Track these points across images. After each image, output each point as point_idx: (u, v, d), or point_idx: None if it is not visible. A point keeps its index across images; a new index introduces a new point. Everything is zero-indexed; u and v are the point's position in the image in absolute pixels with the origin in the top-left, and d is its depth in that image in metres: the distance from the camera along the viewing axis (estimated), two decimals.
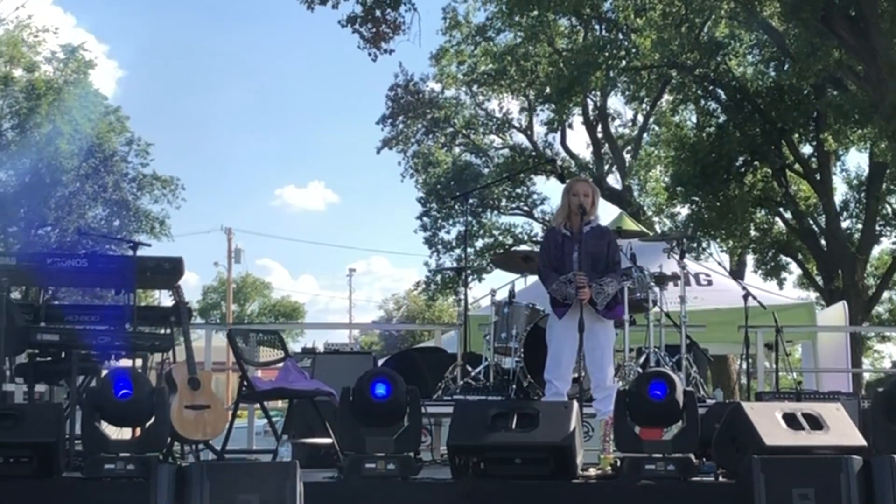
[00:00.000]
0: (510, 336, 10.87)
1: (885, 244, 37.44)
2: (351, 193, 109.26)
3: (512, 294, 11.29)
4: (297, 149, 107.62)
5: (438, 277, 38.90)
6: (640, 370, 10.58)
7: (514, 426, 7.34)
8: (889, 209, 35.14)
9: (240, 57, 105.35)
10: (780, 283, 36.06)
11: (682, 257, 11.77)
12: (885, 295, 40.30)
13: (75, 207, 35.16)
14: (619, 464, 7.50)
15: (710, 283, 16.09)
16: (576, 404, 7.60)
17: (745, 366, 12.81)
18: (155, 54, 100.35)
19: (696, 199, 31.56)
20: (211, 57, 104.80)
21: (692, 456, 7.32)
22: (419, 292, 46.48)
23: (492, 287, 11.82)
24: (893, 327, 43.62)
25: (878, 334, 45.95)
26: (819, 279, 33.89)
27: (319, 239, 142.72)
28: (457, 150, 39.46)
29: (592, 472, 7.74)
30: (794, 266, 37.09)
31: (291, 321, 68.78)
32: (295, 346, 11.31)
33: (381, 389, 7.31)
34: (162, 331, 9.63)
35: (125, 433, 8.06)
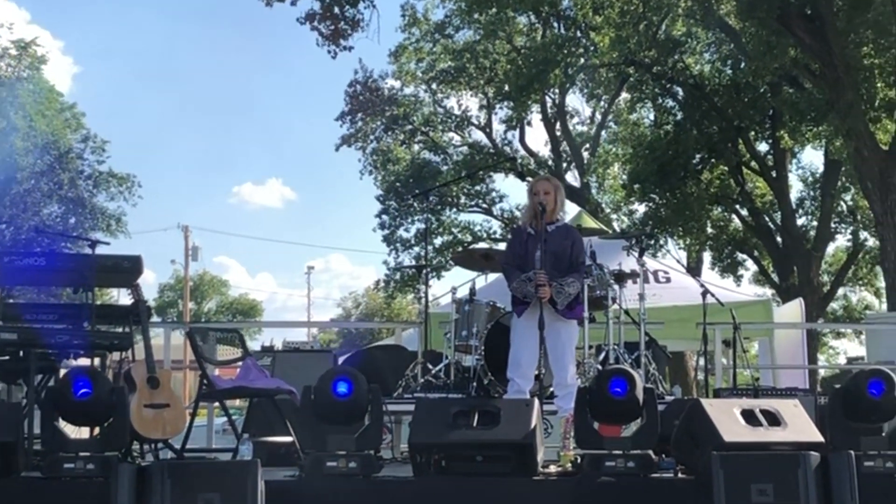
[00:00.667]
0: (471, 334, 10.87)
1: (840, 241, 37.77)
2: (309, 191, 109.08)
3: (473, 292, 11.30)
4: (255, 146, 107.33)
5: (397, 275, 38.88)
6: (599, 367, 10.61)
7: (475, 424, 7.37)
8: (844, 206, 35.40)
9: (196, 53, 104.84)
10: (738, 280, 36.27)
11: (641, 255, 11.81)
12: (840, 291, 40.60)
13: (30, 205, 34.87)
14: (579, 461, 7.52)
15: (668, 280, 16.15)
16: (537, 402, 7.63)
17: (702, 362, 12.87)
18: (111, 50, 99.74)
19: (654, 196, 31.76)
20: (167, 53, 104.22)
21: (651, 452, 7.35)
22: (378, 290, 46.46)
23: (452, 285, 11.83)
24: (848, 324, 43.90)
25: (833, 331, 46.26)
26: (775, 276, 34.11)
27: (277, 236, 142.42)
28: (416, 147, 39.43)
29: (553, 469, 7.77)
30: (750, 263, 37.33)
31: (249, 319, 68.57)
32: (253, 344, 11.41)
33: (342, 388, 7.30)
34: (121, 329, 9.57)
35: (83, 432, 8.03)
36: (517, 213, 36.54)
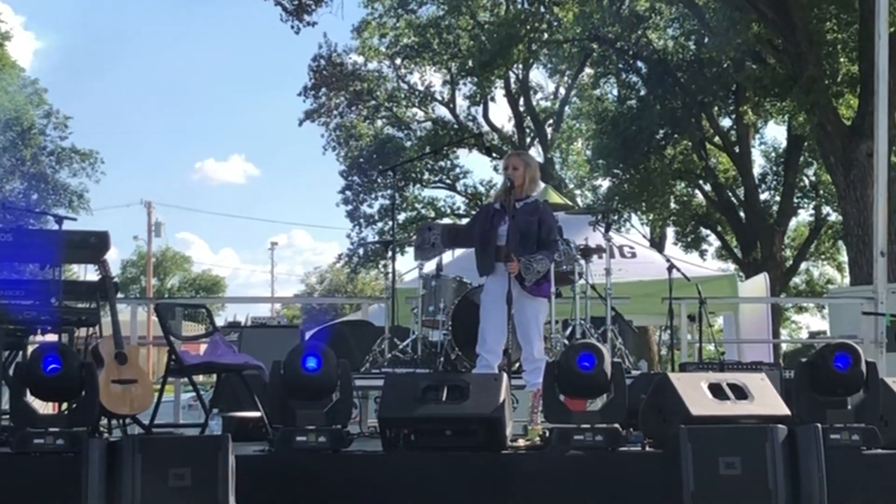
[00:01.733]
0: (438, 309, 10.87)
1: (803, 216, 38.01)
2: (272, 166, 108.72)
3: (439, 267, 11.30)
4: (217, 122, 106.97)
5: (361, 251, 38.86)
6: (566, 342, 10.63)
7: (444, 398, 7.39)
8: (806, 181, 35.64)
9: (159, 28, 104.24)
10: (702, 255, 36.45)
11: (607, 230, 11.84)
12: (803, 266, 40.87)
13: None
14: (547, 434, 7.55)
15: (634, 255, 16.22)
16: (505, 376, 7.66)
17: (667, 337, 12.94)
18: (72, 26, 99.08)
19: (617, 171, 31.87)
20: (129, 29, 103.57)
21: (619, 426, 7.39)
22: (342, 265, 46.42)
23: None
24: (811, 298, 44.18)
25: (795, 305, 46.54)
26: (738, 251, 34.29)
27: (240, 212, 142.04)
28: (379, 122, 39.36)
29: (521, 442, 7.79)
30: (713, 238, 37.51)
31: (212, 295, 68.41)
32: (217, 320, 11.34)
33: (311, 363, 7.30)
34: (88, 305, 9.54)
35: (51, 408, 8.02)
36: (481, 189, 36.62)
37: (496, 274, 9.71)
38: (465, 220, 25.23)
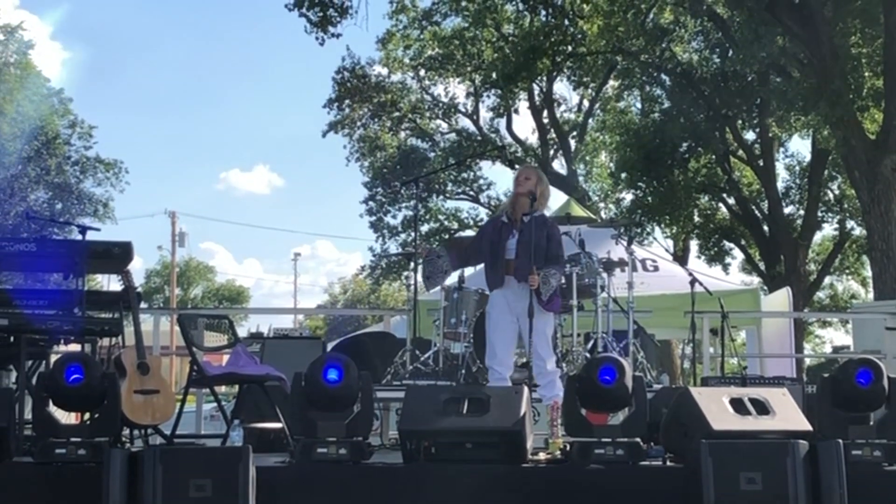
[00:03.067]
0: (459, 321, 10.87)
1: (827, 230, 37.85)
2: (296, 177, 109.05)
3: (462, 279, 11.31)
4: (242, 132, 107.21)
5: (384, 262, 38.90)
6: (588, 355, 10.63)
7: (465, 411, 7.39)
8: (831, 195, 35.50)
9: (183, 39, 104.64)
10: (725, 269, 36.35)
11: (629, 243, 11.83)
12: (827, 280, 40.73)
13: (17, 190, 34.86)
14: (568, 448, 7.54)
15: (656, 268, 16.18)
16: (526, 389, 7.65)
17: (689, 351, 12.91)
18: (99, 35, 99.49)
19: (641, 184, 31.79)
20: (155, 39, 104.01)
21: (640, 440, 7.38)
22: (364, 276, 46.46)
23: None
24: (834, 313, 44.05)
25: (819, 320, 46.40)
26: (761, 264, 34.18)
27: (264, 223, 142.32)
28: (403, 134, 39.41)
29: (542, 456, 7.79)
30: (736, 251, 37.40)
31: (236, 305, 68.51)
32: (239, 331, 11.35)
33: (333, 374, 7.32)
34: (111, 315, 9.57)
35: (73, 418, 8.04)
36: (504, 201, 36.56)
37: (505, 287, 9.73)
38: None
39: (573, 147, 37.23)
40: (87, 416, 7.72)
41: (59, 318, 8.87)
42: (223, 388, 12.04)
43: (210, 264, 74.83)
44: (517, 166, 11.87)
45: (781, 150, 35.78)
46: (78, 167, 37.46)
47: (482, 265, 10.30)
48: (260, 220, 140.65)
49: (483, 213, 38.95)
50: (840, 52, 22.79)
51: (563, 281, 10.08)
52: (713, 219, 35.94)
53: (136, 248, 9.59)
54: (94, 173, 37.62)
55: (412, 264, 12.24)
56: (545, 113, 37.16)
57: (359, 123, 38.36)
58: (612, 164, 36.27)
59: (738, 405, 7.32)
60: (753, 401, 7.37)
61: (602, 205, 37.06)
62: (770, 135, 32.28)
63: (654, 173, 30.77)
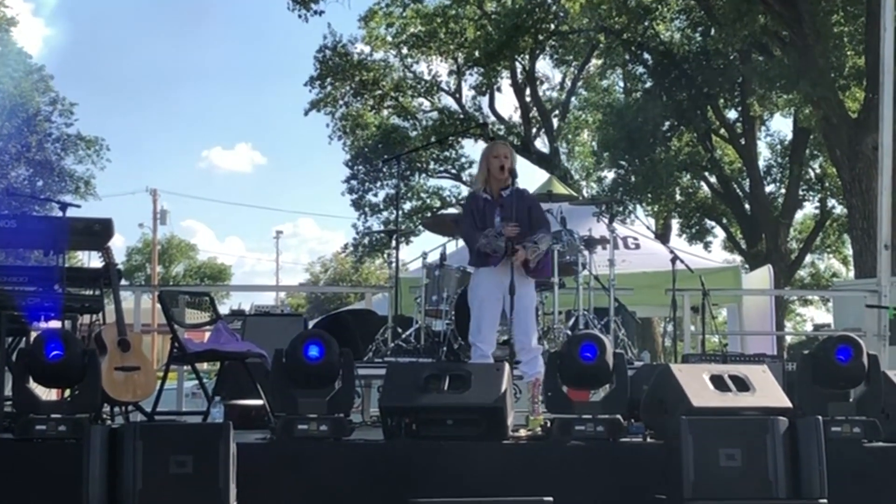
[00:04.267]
0: (441, 299, 10.88)
1: (808, 209, 37.98)
2: (278, 155, 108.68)
3: (443, 257, 11.31)
4: (224, 110, 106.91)
5: (366, 240, 38.86)
6: (569, 332, 10.64)
7: (446, 388, 7.40)
8: (812, 174, 35.61)
9: (167, 16, 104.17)
10: (707, 247, 36.44)
11: (611, 221, 11.83)
12: (808, 259, 40.87)
13: None
14: (548, 425, 7.55)
15: (637, 246, 16.22)
16: (507, 366, 7.66)
17: (670, 328, 12.95)
18: (80, 13, 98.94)
19: (623, 163, 31.82)
20: (138, 16, 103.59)
21: (621, 417, 7.40)
22: (346, 255, 46.44)
23: (423, 250, 11.85)
24: (816, 291, 44.20)
25: (800, 298, 46.55)
26: (743, 243, 34.29)
27: (246, 201, 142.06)
28: (385, 112, 39.30)
29: (523, 433, 7.80)
30: (718, 230, 37.50)
31: (217, 283, 68.42)
32: (221, 309, 11.30)
33: (314, 351, 7.30)
34: (91, 292, 9.55)
35: (53, 394, 8.02)
36: (475, 175, 36.53)
37: (492, 264, 9.69)
38: None
39: (555, 125, 37.24)
40: (66, 392, 7.71)
41: (39, 294, 8.84)
42: (204, 366, 12.05)
43: (192, 242, 74.72)
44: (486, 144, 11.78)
45: (763, 128, 35.90)
46: (59, 144, 37.28)
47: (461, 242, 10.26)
48: (242, 199, 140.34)
49: (465, 191, 38.94)
50: (822, 31, 22.82)
51: (552, 241, 10.03)
52: (695, 197, 36.04)
53: (118, 226, 9.56)
54: (74, 150, 37.43)
55: (393, 242, 12.25)
56: (528, 91, 37.12)
57: (341, 102, 38.23)
58: (594, 143, 36.34)
59: (718, 382, 7.33)
60: (734, 377, 7.39)
61: (584, 183, 37.11)
62: (752, 113, 32.36)
63: (636, 152, 30.78)
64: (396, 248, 12.11)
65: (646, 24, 31.20)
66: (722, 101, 32.49)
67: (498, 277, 9.50)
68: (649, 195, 32.41)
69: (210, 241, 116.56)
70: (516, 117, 38.29)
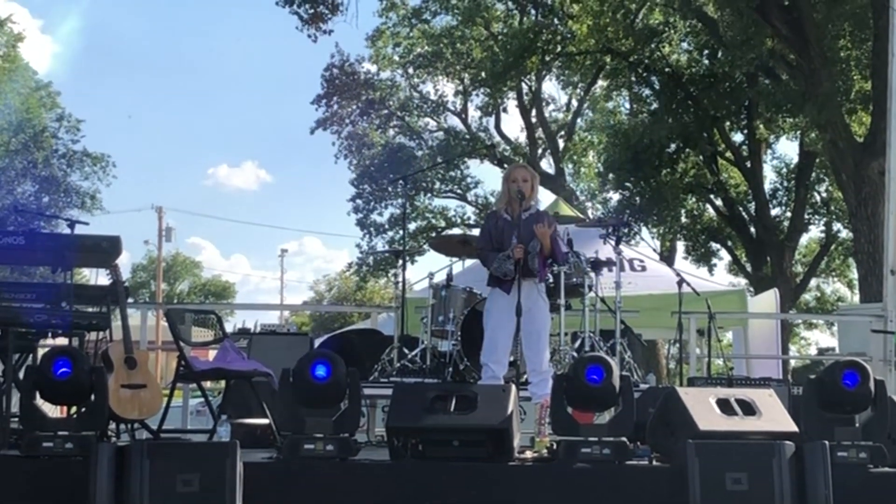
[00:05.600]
0: (447, 319, 10.88)
1: (814, 232, 37.94)
2: (285, 173, 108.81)
3: (450, 277, 11.32)
4: (230, 128, 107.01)
5: (371, 259, 38.87)
6: (575, 354, 10.64)
7: (452, 409, 7.40)
8: (818, 198, 35.59)
9: (174, 34, 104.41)
10: (711, 270, 36.42)
11: (617, 243, 11.83)
12: (813, 283, 40.82)
13: (4, 183, 34.76)
14: (555, 447, 7.56)
15: (643, 268, 16.20)
16: (513, 388, 7.66)
17: (675, 351, 12.93)
18: (89, 30, 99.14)
19: (628, 184, 31.81)
20: (144, 34, 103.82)
21: (627, 440, 7.40)
22: (351, 273, 46.43)
23: (430, 270, 11.85)
24: (821, 315, 44.14)
25: (805, 322, 46.50)
26: (748, 266, 34.24)
27: (252, 219, 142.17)
28: (391, 131, 39.38)
29: (529, 454, 7.81)
30: (723, 252, 37.45)
31: (222, 300, 68.45)
32: (226, 327, 11.22)
33: (321, 371, 7.32)
34: (98, 309, 9.55)
35: (58, 412, 8.03)
36: (492, 199, 36.60)
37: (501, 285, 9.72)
38: (475, 231, 25.21)
39: (561, 146, 37.26)
40: (73, 409, 7.72)
41: (46, 311, 8.85)
42: (209, 383, 12.07)
43: (197, 259, 74.78)
44: (506, 165, 11.82)
45: (769, 151, 35.86)
46: (65, 160, 37.39)
47: (473, 262, 10.26)
48: (248, 216, 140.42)
49: (470, 212, 38.99)
50: (829, 55, 22.86)
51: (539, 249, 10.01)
52: (700, 220, 35.99)
53: (123, 242, 9.56)
54: (80, 167, 37.55)
55: (399, 262, 12.25)
56: (534, 112, 37.18)
57: (347, 121, 38.32)
58: (599, 164, 36.32)
59: (724, 405, 7.34)
60: (740, 401, 7.39)
61: (589, 204, 37.12)
62: (758, 136, 32.35)
63: (641, 173, 30.80)
64: (403, 267, 12.10)
65: (652, 46, 31.24)
66: (728, 123, 32.49)
67: (511, 298, 9.52)
68: (655, 217, 32.41)
69: (215, 259, 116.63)
70: (522, 138, 38.41)
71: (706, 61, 31.33)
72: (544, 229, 9.55)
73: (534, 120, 37.26)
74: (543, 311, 9.79)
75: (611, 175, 33.00)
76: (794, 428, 7.26)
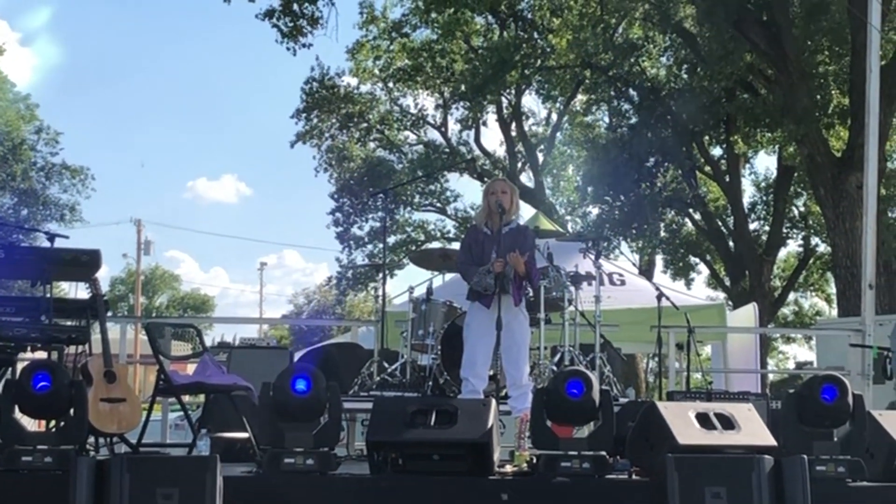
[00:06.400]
0: (427, 333, 10.90)
1: (792, 246, 38.10)
2: (264, 187, 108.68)
3: (430, 291, 11.33)
4: (210, 141, 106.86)
5: (350, 273, 38.86)
6: (554, 368, 10.67)
7: (432, 423, 7.40)
8: (796, 212, 35.73)
9: (154, 47, 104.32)
10: (689, 283, 36.51)
11: (597, 257, 11.87)
12: (791, 297, 40.94)
13: None
14: (535, 461, 7.56)
15: (623, 282, 16.25)
16: (493, 402, 7.67)
17: (656, 365, 12.96)
18: (69, 43, 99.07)
19: (608, 198, 31.86)
20: (124, 47, 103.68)
21: (606, 454, 7.41)
22: (330, 287, 46.40)
23: (410, 284, 11.88)
24: (800, 329, 44.27)
25: (783, 336, 46.63)
26: (726, 280, 34.34)
27: (231, 232, 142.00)
28: (371, 145, 39.39)
29: (509, 468, 7.81)
30: (702, 266, 37.57)
31: (200, 314, 68.29)
32: (205, 340, 11.18)
33: (301, 385, 7.31)
34: (78, 323, 9.53)
35: (36, 425, 8.01)
36: (471, 213, 36.65)
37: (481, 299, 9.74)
38: (454, 244, 25.24)
39: (541, 160, 37.29)
40: (51, 423, 7.70)
41: (25, 325, 8.84)
42: (188, 397, 12.04)
43: (175, 273, 74.62)
44: (486, 179, 11.86)
45: (748, 165, 35.99)
46: (43, 173, 37.30)
47: (454, 276, 10.29)
48: (227, 230, 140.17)
49: (450, 225, 39.03)
50: (807, 70, 22.97)
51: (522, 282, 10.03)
52: (679, 233, 36.09)
53: (103, 256, 9.54)
54: (59, 180, 37.47)
55: (379, 275, 12.26)
56: (513, 126, 37.22)
57: (327, 134, 38.29)
58: (579, 178, 36.40)
59: (703, 420, 7.35)
60: (719, 415, 7.40)
61: (569, 218, 37.14)
62: (736, 150, 32.45)
63: (620, 187, 30.86)
64: (383, 281, 12.14)
65: (632, 60, 31.31)
66: (707, 138, 32.59)
67: (491, 313, 9.54)
68: (633, 231, 32.48)
69: (194, 272, 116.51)
70: (502, 151, 38.42)
71: (685, 76, 31.40)
72: (518, 258, 9.55)
73: (513, 133, 37.30)
74: (523, 326, 9.83)
75: (590, 189, 33.08)
76: (772, 442, 7.28)
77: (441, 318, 10.99)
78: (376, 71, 36.88)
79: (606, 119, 35.27)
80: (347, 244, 38.41)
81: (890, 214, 26.60)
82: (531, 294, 10.52)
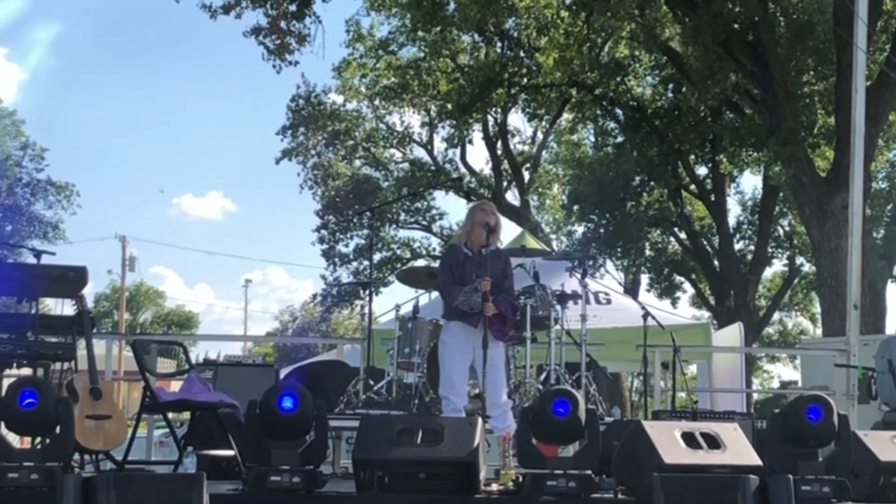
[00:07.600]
0: (413, 351, 10.90)
1: (777, 266, 38.18)
2: (249, 203, 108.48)
3: (416, 309, 11.34)
4: (195, 158, 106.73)
5: (335, 290, 38.84)
6: (540, 387, 10.67)
7: (419, 441, 7.40)
8: (781, 231, 35.83)
9: (139, 62, 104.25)
10: (674, 302, 36.56)
11: (583, 276, 11.88)
12: (776, 316, 41.03)
13: None
14: (520, 479, 7.57)
15: (609, 301, 16.24)
16: (480, 420, 7.68)
17: (641, 384, 12.98)
18: (55, 60, 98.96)
19: (593, 217, 31.94)
20: (111, 64, 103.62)
21: (592, 473, 7.41)
22: (315, 304, 46.38)
23: (396, 302, 11.88)
24: (785, 348, 44.34)
25: (768, 355, 46.70)
26: (711, 299, 34.40)
27: (216, 248, 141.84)
28: (357, 162, 39.42)
29: (495, 487, 7.81)
30: (687, 285, 37.62)
31: (185, 331, 68.17)
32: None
33: (287, 403, 7.31)
34: (64, 340, 9.52)
35: (20, 442, 7.99)
36: (458, 231, 36.57)
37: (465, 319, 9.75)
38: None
39: (527, 178, 37.33)
40: (37, 440, 7.68)
41: (11, 341, 8.83)
42: (173, 414, 12.03)
43: (160, 289, 74.44)
44: (472, 198, 11.89)
45: (733, 185, 36.09)
46: (29, 189, 37.25)
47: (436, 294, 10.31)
48: (212, 246, 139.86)
49: (435, 243, 39.02)
50: (793, 90, 23.05)
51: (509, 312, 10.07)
52: (664, 252, 36.17)
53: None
54: (45, 196, 37.43)
55: (365, 293, 12.26)
56: (499, 144, 37.24)
57: (313, 151, 38.33)
58: (564, 197, 36.46)
59: (689, 439, 7.36)
60: (705, 435, 7.42)
61: (554, 236, 37.20)
62: (722, 170, 32.54)
63: (606, 206, 30.96)
64: (370, 299, 12.12)
65: (618, 79, 31.41)
66: (693, 157, 32.70)
67: (469, 331, 9.56)
68: (619, 249, 32.55)
69: (179, 288, 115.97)
70: (487, 170, 38.45)
71: (671, 95, 31.52)
72: (491, 308, 9.54)
73: (499, 152, 37.33)
74: (499, 346, 9.81)
75: (575, 207, 33.16)
76: (758, 462, 7.30)
77: (427, 336, 10.98)
78: (363, 89, 36.96)
79: (592, 138, 35.39)
80: (333, 261, 38.41)
81: (875, 235, 26.70)
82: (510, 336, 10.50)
